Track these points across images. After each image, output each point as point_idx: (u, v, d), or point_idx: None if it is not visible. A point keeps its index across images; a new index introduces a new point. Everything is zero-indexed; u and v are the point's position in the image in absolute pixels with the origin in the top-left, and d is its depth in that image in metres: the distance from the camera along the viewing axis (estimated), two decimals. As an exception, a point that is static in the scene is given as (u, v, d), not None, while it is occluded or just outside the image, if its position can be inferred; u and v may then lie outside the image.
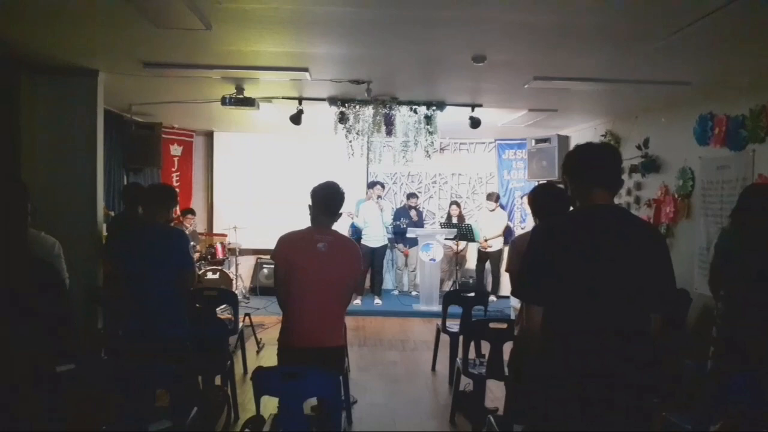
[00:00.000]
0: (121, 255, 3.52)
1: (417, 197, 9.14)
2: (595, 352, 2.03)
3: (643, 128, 6.25)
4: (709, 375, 3.37)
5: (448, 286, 8.79)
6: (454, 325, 5.13)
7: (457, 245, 8.48)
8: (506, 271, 3.38)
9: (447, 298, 5.35)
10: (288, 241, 3.11)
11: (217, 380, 4.21)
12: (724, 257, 3.45)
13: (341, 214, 3.18)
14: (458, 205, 8.98)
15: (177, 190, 4.02)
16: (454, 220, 8.76)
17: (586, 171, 2.18)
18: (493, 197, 8.76)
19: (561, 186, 2.91)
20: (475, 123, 6.25)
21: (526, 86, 5.00)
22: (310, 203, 3.13)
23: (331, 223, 3.14)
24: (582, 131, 7.69)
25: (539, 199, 3.25)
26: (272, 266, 8.97)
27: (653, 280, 2.07)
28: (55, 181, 4.82)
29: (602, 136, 6.96)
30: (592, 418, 2.02)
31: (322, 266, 3.02)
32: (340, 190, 3.15)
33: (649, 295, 2.06)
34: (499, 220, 8.73)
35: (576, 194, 2.21)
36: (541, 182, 4.10)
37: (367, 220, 8.28)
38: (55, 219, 4.54)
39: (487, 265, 8.84)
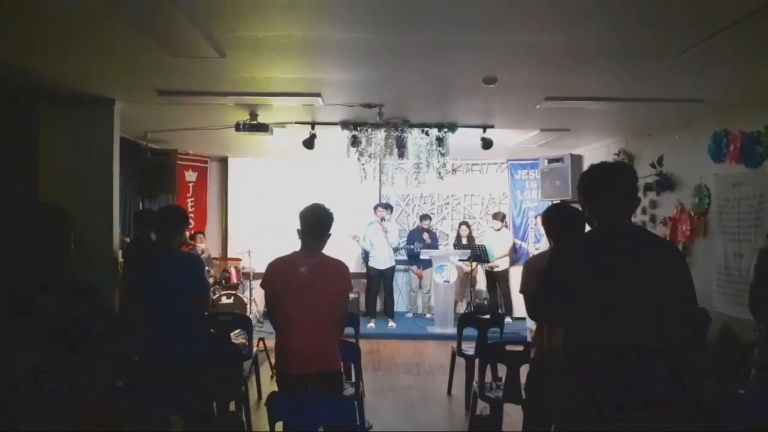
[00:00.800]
0: (137, 281, 3.54)
1: (430, 219, 9.13)
2: (615, 373, 2.00)
3: (657, 146, 6.22)
4: (749, 398, 3.29)
5: (461, 308, 8.72)
6: (469, 348, 5.08)
7: (470, 266, 8.44)
8: (520, 292, 3.35)
9: (462, 321, 5.31)
10: (274, 266, 3.11)
11: (232, 406, 4.18)
12: (765, 278, 3.39)
13: (330, 235, 3.14)
14: (468, 225, 8.96)
15: (185, 210, 4.02)
16: (464, 241, 8.73)
17: (602, 191, 2.17)
18: (498, 216, 8.73)
19: (574, 205, 2.90)
20: (486, 144, 6.26)
21: (537, 107, 5.01)
22: (298, 227, 3.12)
23: (320, 246, 3.11)
24: (595, 150, 7.67)
25: (553, 218, 3.24)
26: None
27: (674, 300, 2.04)
28: (72, 208, 4.72)
29: (615, 154, 6.93)
30: None
31: (305, 290, 2.99)
32: (327, 211, 3.13)
33: (671, 315, 2.03)
34: (506, 240, 8.69)
35: (593, 214, 2.20)
36: (554, 202, 4.08)
37: (373, 242, 8.27)
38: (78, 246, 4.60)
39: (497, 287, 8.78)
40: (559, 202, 4.11)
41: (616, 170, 2.32)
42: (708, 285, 5.13)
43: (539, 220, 7.70)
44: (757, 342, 3.48)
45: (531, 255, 7.93)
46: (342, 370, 3.34)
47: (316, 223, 3.10)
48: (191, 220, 8.76)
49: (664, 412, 2.01)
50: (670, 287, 2.05)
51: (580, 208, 2.30)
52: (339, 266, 3.20)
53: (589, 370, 2.04)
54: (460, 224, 9.03)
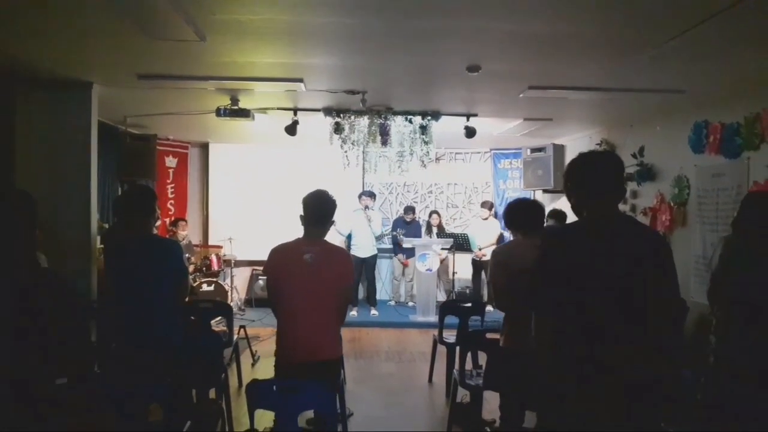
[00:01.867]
0: (115, 268, 3.48)
1: (414, 212, 9.08)
2: (599, 359, 2.02)
3: (638, 137, 6.27)
4: (708, 385, 3.34)
5: (438, 296, 8.75)
6: (451, 336, 5.09)
7: (441, 255, 8.44)
8: (489, 282, 3.43)
9: (443, 309, 5.33)
10: (277, 253, 3.08)
11: (212, 393, 4.16)
12: (727, 266, 3.42)
13: (333, 222, 3.15)
14: (438, 214, 8.98)
15: (150, 189, 3.90)
16: (435, 230, 8.75)
17: (589, 180, 2.17)
18: (486, 205, 8.75)
19: (533, 200, 2.99)
20: (470, 133, 6.26)
21: (521, 95, 5.01)
22: (301, 213, 3.10)
23: (323, 233, 3.11)
24: (577, 140, 7.71)
25: (512, 214, 3.51)
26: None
27: (658, 288, 2.06)
28: (50, 193, 4.79)
29: (597, 144, 6.98)
30: (598, 423, 2.00)
31: (310, 278, 2.97)
32: (330, 198, 3.12)
33: (653, 303, 2.05)
34: (493, 229, 8.72)
35: (580, 204, 2.20)
36: (535, 191, 4.14)
37: (355, 230, 8.26)
38: (49, 232, 4.53)
39: (483, 274, 8.82)
40: (516, 198, 4.30)
41: (603, 159, 2.33)
42: (686, 275, 5.20)
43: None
44: (712, 329, 3.53)
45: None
46: (341, 357, 3.31)
47: (319, 209, 3.08)
48: (171, 207, 8.67)
49: (645, 398, 2.03)
50: (655, 275, 2.07)
51: (567, 198, 2.30)
52: (342, 253, 3.25)
53: (576, 357, 2.05)
54: (431, 213, 9.03)
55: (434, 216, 8.93)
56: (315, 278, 2.98)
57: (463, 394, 4.28)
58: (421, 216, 9.70)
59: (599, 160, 2.28)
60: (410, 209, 9.01)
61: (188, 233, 8.03)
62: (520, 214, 3.47)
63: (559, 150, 7.92)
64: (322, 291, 3.00)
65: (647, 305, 2.04)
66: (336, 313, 3.12)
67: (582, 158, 2.26)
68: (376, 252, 8.45)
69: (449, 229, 9.28)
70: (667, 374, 2.17)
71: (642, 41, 3.49)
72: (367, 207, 8.28)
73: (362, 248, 8.20)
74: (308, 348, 2.99)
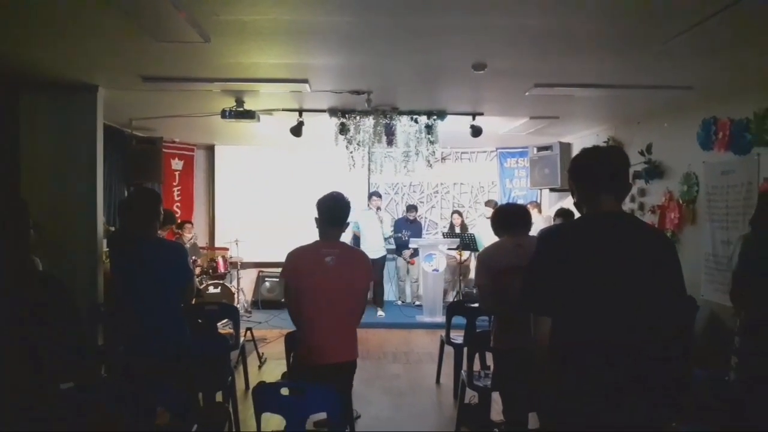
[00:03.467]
0: (121, 271, 3.47)
1: (416, 210, 9.07)
2: (602, 361, 1.98)
3: (646, 134, 6.22)
4: (730, 386, 3.29)
5: (452, 297, 8.72)
6: (458, 337, 5.07)
7: (460, 255, 8.43)
8: (475, 285, 3.41)
9: (451, 309, 5.29)
10: (296, 256, 3.08)
11: (218, 396, 4.14)
12: (750, 266, 3.38)
13: (348, 224, 3.16)
14: (460, 214, 8.96)
15: (154, 192, 3.87)
16: (457, 230, 8.71)
17: (593, 176, 2.12)
18: (491, 204, 8.69)
19: (517, 204, 2.98)
20: (476, 132, 6.22)
21: (527, 93, 4.97)
22: (317, 216, 3.09)
23: (339, 235, 3.12)
24: (584, 138, 7.66)
25: (501, 218, 3.54)
26: (274, 280, 8.96)
27: (663, 289, 2.02)
28: (56, 196, 4.79)
29: (605, 142, 6.93)
30: (604, 423, 1.96)
31: (331, 280, 2.98)
32: (345, 199, 3.13)
33: (659, 304, 2.01)
34: (494, 227, 8.67)
35: (582, 200, 2.16)
36: (542, 190, 4.13)
37: (364, 230, 8.24)
38: (55, 235, 4.53)
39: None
40: (505, 203, 4.42)
41: (607, 154, 2.27)
42: (696, 273, 5.15)
43: (530, 207, 7.70)
44: (737, 330, 3.47)
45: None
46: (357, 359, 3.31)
47: (335, 212, 3.08)
48: (178, 209, 8.67)
49: (652, 399, 1.99)
50: (659, 276, 2.02)
51: (570, 194, 2.26)
52: (362, 255, 3.28)
53: (576, 358, 2.01)
54: (453, 212, 9.02)
55: (456, 215, 8.90)
56: (337, 280, 2.98)
57: (471, 395, 4.25)
58: (427, 216, 9.68)
59: (602, 154, 2.22)
60: (413, 208, 8.98)
61: (194, 235, 8.04)
62: (503, 216, 3.55)
63: (566, 148, 7.87)
64: (343, 292, 3.01)
65: (651, 304, 2.00)
66: (355, 315, 3.13)
67: (585, 153, 2.21)
68: (385, 253, 8.45)
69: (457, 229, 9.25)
70: (677, 373, 2.12)
71: (649, 37, 3.44)
72: (378, 208, 8.27)
73: (371, 249, 8.18)
74: (329, 350, 3.00)
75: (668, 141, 5.86)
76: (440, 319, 7.50)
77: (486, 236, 8.45)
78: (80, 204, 4.89)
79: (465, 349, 4.58)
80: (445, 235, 8.66)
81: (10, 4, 3.05)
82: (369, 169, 8.52)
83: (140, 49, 3.79)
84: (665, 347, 2.03)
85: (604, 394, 1.98)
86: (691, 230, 5.45)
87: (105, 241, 5.19)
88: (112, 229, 6.17)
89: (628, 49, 3.72)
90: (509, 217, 3.52)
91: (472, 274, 9.07)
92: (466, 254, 8.57)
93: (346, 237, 8.16)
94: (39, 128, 4.85)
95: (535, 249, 2.17)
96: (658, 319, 2.02)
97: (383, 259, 8.44)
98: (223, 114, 5.58)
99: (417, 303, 8.92)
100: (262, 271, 8.98)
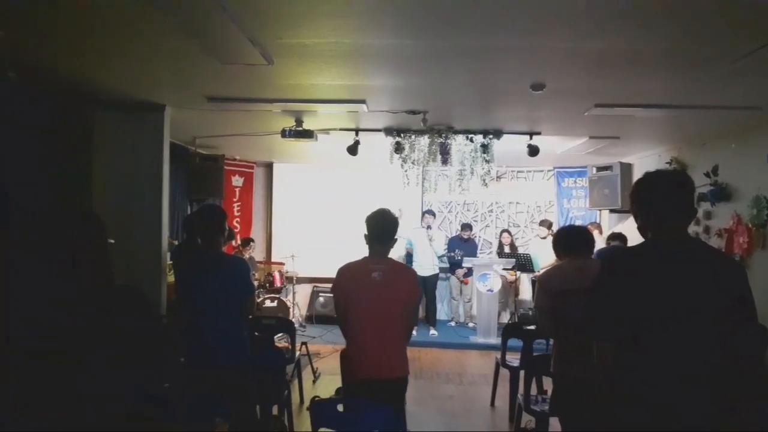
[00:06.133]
0: (185, 284, 3.58)
1: (471, 229, 9.00)
2: (667, 390, 1.92)
3: (712, 155, 6.00)
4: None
5: (504, 318, 8.58)
6: (513, 359, 4.97)
7: (513, 275, 8.30)
8: (535, 307, 3.34)
9: (507, 331, 5.21)
10: (344, 272, 3.13)
11: (275, 410, 4.21)
12: None
13: (396, 239, 3.17)
14: (509, 233, 8.84)
15: (220, 207, 3.98)
16: (506, 249, 8.59)
17: (657, 200, 2.07)
18: (545, 224, 8.54)
19: (579, 225, 2.91)
20: (533, 151, 6.15)
21: (586, 114, 4.89)
22: (365, 232, 3.13)
23: (387, 251, 3.14)
24: (645, 158, 7.45)
25: (563, 240, 3.51)
26: (328, 294, 9.03)
27: (731, 317, 1.94)
28: (124, 210, 5.01)
29: (667, 163, 6.72)
30: None
31: (378, 295, 3.00)
32: (392, 216, 3.15)
33: (729, 332, 1.93)
34: (551, 248, 8.48)
35: (646, 225, 2.11)
36: (602, 211, 4.04)
37: (416, 248, 8.24)
38: (122, 248, 4.73)
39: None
40: (567, 225, 4.28)
41: (672, 178, 2.21)
42: (766, 301, 4.89)
43: (591, 228, 7.55)
44: None
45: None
46: (408, 376, 3.31)
47: (383, 228, 3.12)
48: (237, 224, 8.91)
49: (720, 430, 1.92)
50: (728, 304, 1.95)
51: (633, 218, 2.21)
52: (409, 271, 3.30)
53: (641, 388, 1.96)
54: (502, 232, 8.91)
55: (505, 235, 8.80)
56: (383, 296, 3.00)
57: (527, 420, 4.16)
58: (481, 235, 9.58)
59: (666, 179, 2.17)
60: (467, 226, 8.91)
61: (252, 248, 8.23)
62: (565, 238, 3.52)
63: (626, 169, 7.67)
64: (390, 308, 3.02)
65: (719, 333, 1.93)
66: (403, 331, 3.13)
67: (648, 177, 2.16)
68: (437, 271, 8.41)
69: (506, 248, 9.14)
70: (745, 405, 2.03)
71: (715, 57, 3.35)
72: (429, 226, 8.27)
73: (423, 267, 8.16)
74: (375, 365, 3.00)
75: (736, 162, 5.64)
76: (494, 340, 7.39)
77: (541, 256, 8.32)
78: (147, 218, 5.09)
79: (521, 373, 4.49)
80: (501, 255, 8.55)
81: (87, 29, 3.23)
82: (423, 188, 8.53)
83: (206, 70, 3.95)
84: (734, 378, 1.95)
85: (668, 427, 1.91)
86: (761, 255, 5.20)
87: (168, 255, 5.38)
88: (176, 242, 6.39)
89: (693, 70, 3.62)
90: (572, 239, 3.47)
91: (522, 295, 8.92)
92: (516, 274, 8.44)
93: (399, 253, 8.26)
94: (110, 146, 5.10)
95: (599, 272, 2.13)
96: (728, 349, 1.94)
97: (435, 277, 8.39)
98: (283, 133, 5.73)
99: (470, 324, 8.82)
100: (317, 286, 9.09)
